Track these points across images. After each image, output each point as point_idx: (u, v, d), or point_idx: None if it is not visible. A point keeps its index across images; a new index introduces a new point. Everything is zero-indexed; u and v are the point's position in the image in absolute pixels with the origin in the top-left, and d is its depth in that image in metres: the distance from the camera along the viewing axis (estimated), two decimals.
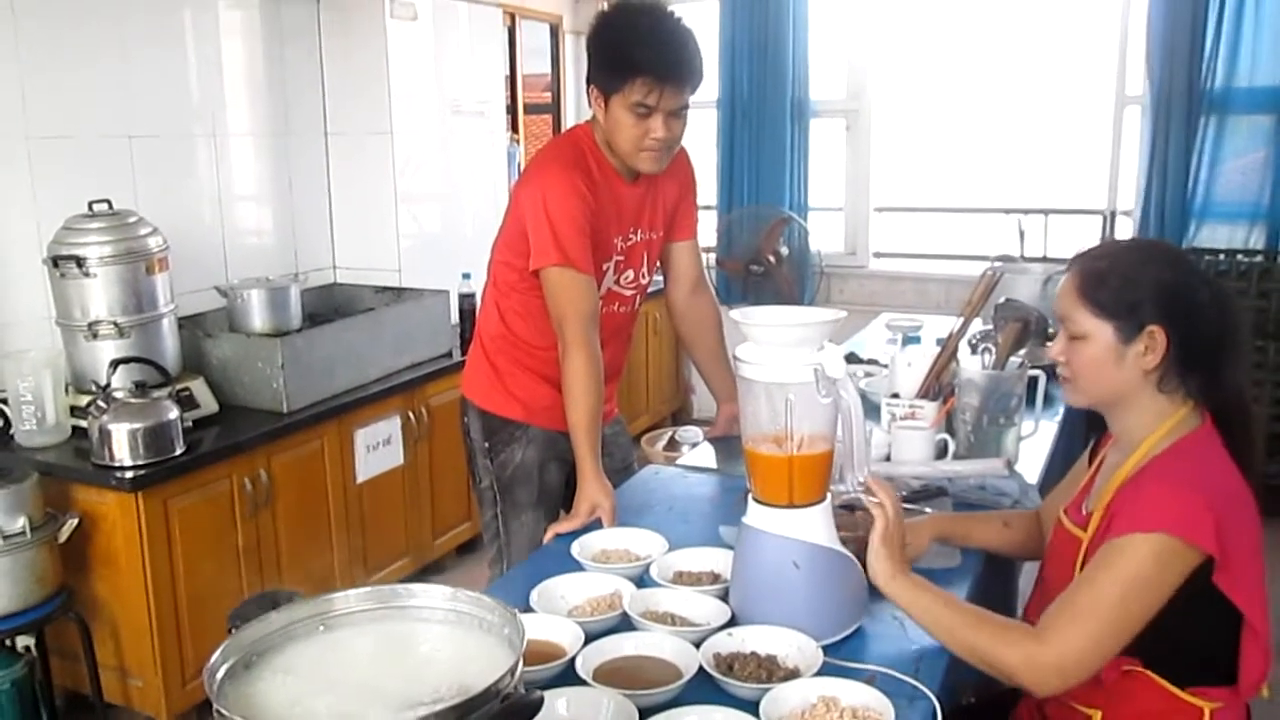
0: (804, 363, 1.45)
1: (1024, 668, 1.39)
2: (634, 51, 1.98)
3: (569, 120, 5.33)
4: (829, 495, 1.54)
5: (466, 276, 3.75)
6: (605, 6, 2.07)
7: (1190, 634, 1.42)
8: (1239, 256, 4.18)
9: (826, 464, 1.53)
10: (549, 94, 5.35)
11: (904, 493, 2.00)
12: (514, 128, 4.84)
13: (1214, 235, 4.28)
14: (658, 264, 2.37)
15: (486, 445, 2.31)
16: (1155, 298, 1.48)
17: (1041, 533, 1.77)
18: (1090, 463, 1.70)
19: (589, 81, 2.08)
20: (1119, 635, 1.39)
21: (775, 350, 1.49)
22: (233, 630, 1.09)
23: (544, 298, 2.10)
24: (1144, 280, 1.49)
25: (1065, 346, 1.57)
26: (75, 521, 2.52)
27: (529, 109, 5.08)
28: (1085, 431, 3.35)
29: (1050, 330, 3.21)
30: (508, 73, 4.76)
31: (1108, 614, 1.37)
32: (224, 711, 0.95)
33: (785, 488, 1.51)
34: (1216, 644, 1.46)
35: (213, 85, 3.46)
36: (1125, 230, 4.53)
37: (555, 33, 5.26)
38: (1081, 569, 1.50)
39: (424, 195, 4.02)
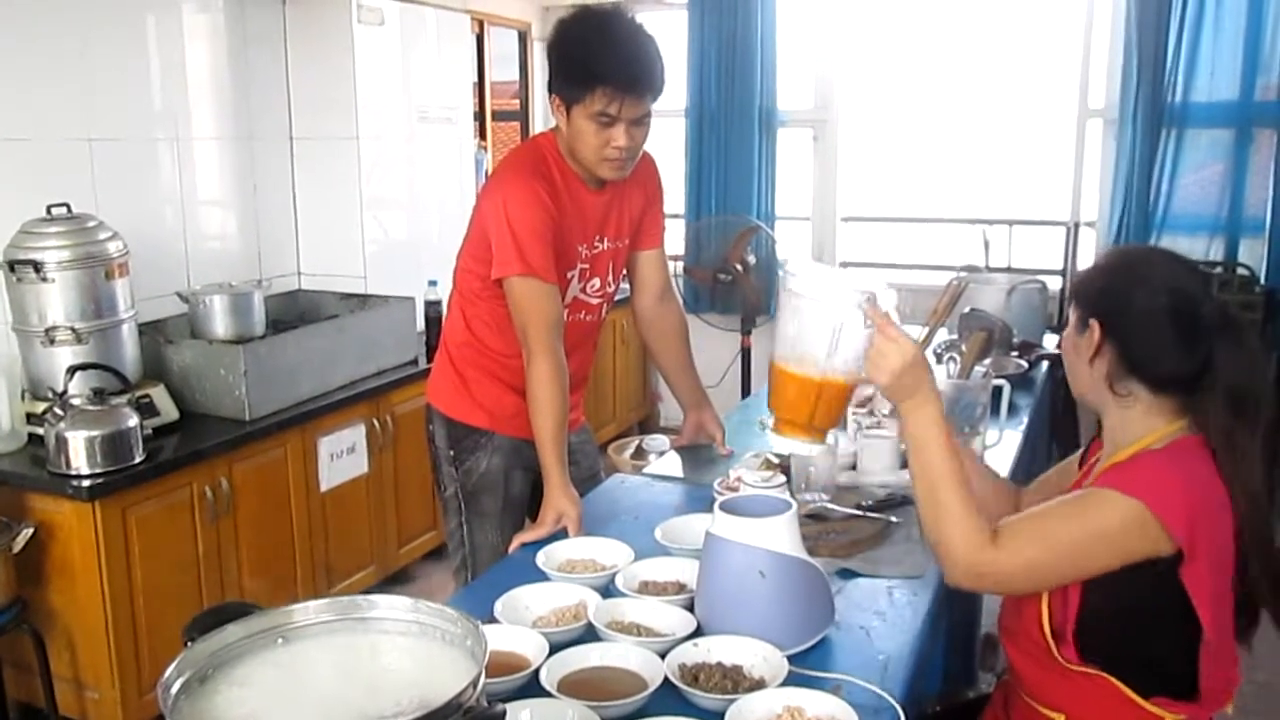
0: (857, 289, 1.54)
1: (962, 561, 1.45)
2: (594, 62, 1.96)
3: (537, 127, 5.32)
4: (794, 504, 1.54)
5: (433, 283, 3.73)
6: (566, 14, 2.06)
7: (1153, 644, 1.42)
8: (1199, 268, 4.23)
9: (848, 396, 1.63)
10: (517, 101, 5.34)
11: (869, 501, 2.00)
12: (482, 134, 4.83)
13: (1175, 247, 4.28)
14: (624, 272, 2.36)
15: (451, 453, 2.29)
16: (1097, 290, 1.53)
17: (1007, 509, 1.77)
18: (1080, 466, 1.71)
19: (551, 90, 2.07)
20: (1061, 577, 1.44)
21: (830, 276, 1.60)
22: (188, 644, 1.07)
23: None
24: (1097, 272, 1.56)
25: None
26: (30, 531, 2.47)
27: (497, 116, 5.07)
28: (1049, 440, 3.40)
29: (1014, 339, 3.25)
30: (476, 79, 4.75)
31: (1060, 554, 1.42)
32: None
33: (808, 411, 1.59)
34: (1178, 658, 1.46)
35: (176, 89, 3.42)
36: (1088, 242, 4.58)
37: (524, 40, 5.26)
38: None
39: (390, 201, 3.99)
